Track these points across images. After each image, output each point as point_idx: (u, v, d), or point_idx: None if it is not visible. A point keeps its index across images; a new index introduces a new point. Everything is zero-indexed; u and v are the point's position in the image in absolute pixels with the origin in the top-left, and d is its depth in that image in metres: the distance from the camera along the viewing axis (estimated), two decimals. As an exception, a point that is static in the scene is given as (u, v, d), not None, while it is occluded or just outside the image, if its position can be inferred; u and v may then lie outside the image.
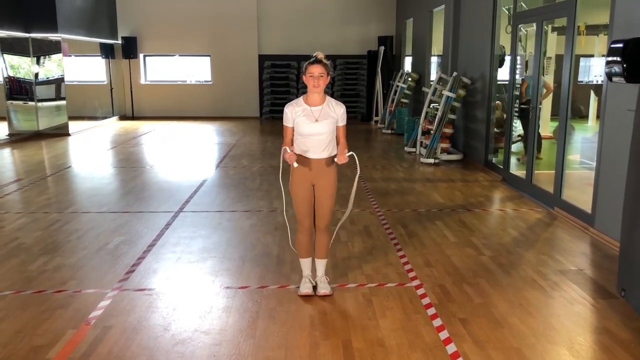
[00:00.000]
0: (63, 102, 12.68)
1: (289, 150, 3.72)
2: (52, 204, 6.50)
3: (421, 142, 9.82)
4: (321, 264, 4.01)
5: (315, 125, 3.71)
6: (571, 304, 3.83)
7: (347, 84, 15.80)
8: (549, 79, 11.06)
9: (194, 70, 16.36)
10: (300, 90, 15.56)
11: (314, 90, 3.71)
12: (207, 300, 3.89)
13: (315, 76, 3.67)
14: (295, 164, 3.73)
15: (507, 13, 8.30)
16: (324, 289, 3.94)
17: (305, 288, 3.94)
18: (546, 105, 11.09)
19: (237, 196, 6.86)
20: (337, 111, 3.78)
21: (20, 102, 12.22)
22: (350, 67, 15.74)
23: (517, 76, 8.08)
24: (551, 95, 9.42)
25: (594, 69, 13.44)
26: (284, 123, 3.82)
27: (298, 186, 3.83)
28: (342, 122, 3.81)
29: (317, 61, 3.69)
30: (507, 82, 7.97)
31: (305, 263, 4.00)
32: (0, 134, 11.52)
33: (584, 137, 10.73)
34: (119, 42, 15.55)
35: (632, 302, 3.54)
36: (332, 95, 16.45)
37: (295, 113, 3.75)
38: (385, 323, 3.53)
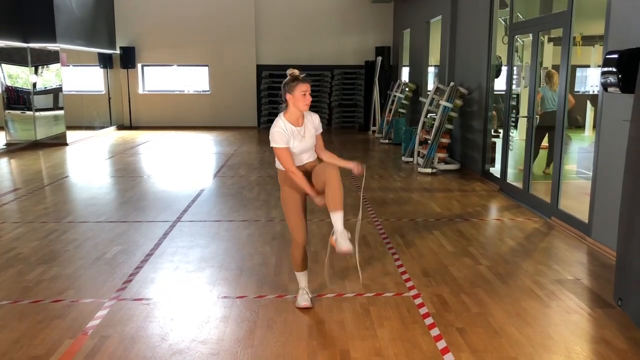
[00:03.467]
0: (61, 112, 12.70)
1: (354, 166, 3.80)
2: (50, 213, 6.50)
3: (418, 152, 9.85)
4: (338, 217, 3.55)
5: (303, 142, 3.72)
6: (568, 313, 3.84)
7: (345, 94, 15.86)
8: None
9: (192, 80, 16.41)
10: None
11: (305, 108, 3.69)
12: (205, 309, 3.89)
13: (308, 94, 3.67)
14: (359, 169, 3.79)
15: (504, 24, 8.35)
16: (344, 245, 3.52)
17: (304, 300, 3.92)
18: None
19: (235, 206, 6.87)
20: (314, 122, 3.83)
21: (18, 112, 12.23)
22: (347, 77, 15.81)
23: (515, 86, 8.12)
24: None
25: (590, 79, 13.53)
26: (279, 145, 3.62)
27: (289, 198, 3.80)
28: (319, 130, 3.88)
29: (305, 80, 3.65)
30: (503, 93, 8.01)
31: (301, 276, 3.99)
32: (-3, 143, 11.54)
33: (581, 147, 10.77)
34: (117, 52, 15.61)
35: (629, 311, 3.54)
36: (329, 105, 16.58)
37: (288, 135, 3.65)
38: (383, 333, 3.53)
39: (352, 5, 15.72)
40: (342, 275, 4.50)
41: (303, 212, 3.85)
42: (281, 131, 3.65)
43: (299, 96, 3.63)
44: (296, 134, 3.70)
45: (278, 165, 3.80)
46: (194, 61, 16.04)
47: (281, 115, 3.74)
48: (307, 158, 3.80)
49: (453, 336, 3.48)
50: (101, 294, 4.13)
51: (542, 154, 8.41)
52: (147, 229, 5.83)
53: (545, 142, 8.36)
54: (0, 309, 3.89)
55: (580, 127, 12.98)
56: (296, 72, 3.68)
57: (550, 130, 7.72)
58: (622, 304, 3.61)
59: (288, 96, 3.66)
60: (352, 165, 3.80)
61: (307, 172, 3.80)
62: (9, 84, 11.96)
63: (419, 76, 12.63)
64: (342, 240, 3.52)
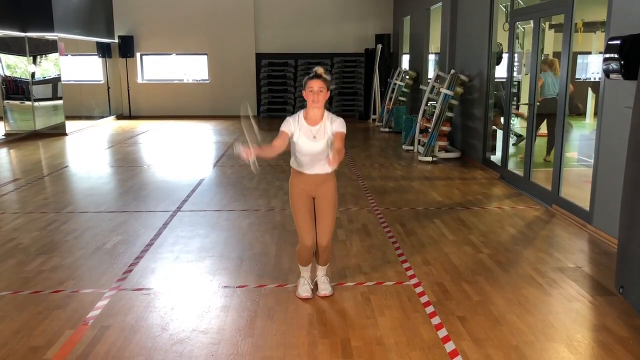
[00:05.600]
0: (60, 102, 12.66)
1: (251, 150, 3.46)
2: (49, 203, 6.49)
3: (419, 140, 9.82)
4: (322, 270, 3.98)
5: (313, 143, 3.64)
6: (569, 301, 3.83)
7: (345, 82, 15.78)
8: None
9: (191, 69, 16.33)
10: (297, 88, 15.55)
11: (313, 106, 3.63)
12: (205, 299, 3.88)
13: (315, 91, 3.60)
14: (251, 161, 3.46)
15: (505, 10, 8.29)
16: (324, 290, 3.91)
17: (304, 291, 3.90)
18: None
19: (235, 195, 6.85)
20: (333, 126, 3.64)
21: (17, 102, 12.19)
22: (347, 66, 15.73)
23: (516, 73, 8.06)
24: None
25: (592, 66, 13.45)
26: (282, 128, 3.66)
27: (298, 201, 3.77)
28: (339, 129, 3.63)
29: (317, 76, 3.62)
30: (504, 80, 7.96)
31: (305, 269, 3.97)
32: (-3, 134, 11.51)
33: (582, 135, 10.73)
34: (116, 41, 15.53)
35: (630, 299, 3.54)
36: (329, 94, 16.37)
37: (296, 126, 3.65)
38: (383, 321, 3.53)
39: (351, -7, 15.63)
40: (343, 265, 4.49)
41: (311, 215, 3.78)
42: (290, 120, 3.69)
43: (307, 92, 3.64)
44: (307, 131, 3.64)
45: (291, 162, 3.79)
46: (193, 50, 15.96)
47: (302, 110, 3.74)
48: (311, 167, 3.69)
49: (454, 324, 3.47)
50: (101, 284, 4.13)
51: (541, 142, 8.37)
52: (147, 219, 5.82)
53: (543, 130, 8.32)
54: (0, 299, 3.88)
55: (582, 114, 12.93)
56: (320, 69, 3.67)
57: (549, 117, 7.68)
58: (624, 291, 3.60)
59: (303, 93, 3.70)
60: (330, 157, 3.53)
61: (312, 202, 3.75)
62: (7, 74, 11.91)
63: (419, 64, 12.56)
64: (321, 284, 3.93)
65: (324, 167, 3.69)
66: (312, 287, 3.96)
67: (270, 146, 3.64)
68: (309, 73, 3.73)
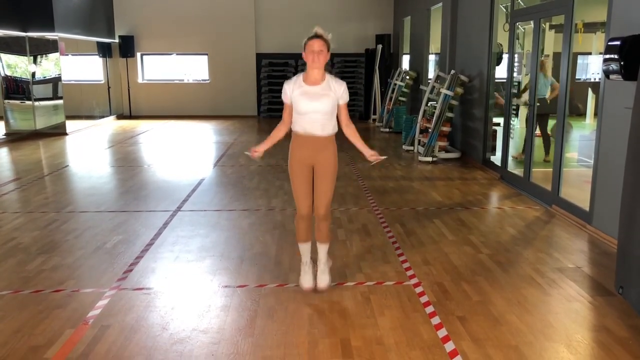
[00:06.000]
0: (60, 102, 12.66)
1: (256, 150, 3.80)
2: (50, 203, 6.49)
3: (419, 141, 9.82)
4: (322, 248, 3.91)
5: (313, 103, 3.62)
6: (569, 301, 3.83)
7: (345, 82, 15.74)
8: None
9: (192, 69, 16.34)
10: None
11: (312, 66, 3.62)
12: (206, 299, 3.89)
13: (316, 51, 3.58)
14: (250, 153, 3.77)
15: (505, 11, 8.29)
16: (322, 281, 3.88)
17: (306, 282, 3.89)
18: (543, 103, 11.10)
19: (235, 195, 6.86)
20: (337, 89, 3.68)
21: (18, 102, 12.19)
22: (348, 66, 15.74)
23: (516, 74, 8.06)
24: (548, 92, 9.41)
25: (592, 67, 13.46)
26: (283, 99, 3.74)
27: (296, 167, 3.76)
28: (343, 100, 3.71)
29: (317, 36, 3.61)
30: (504, 80, 7.96)
31: (304, 248, 3.93)
32: (-3, 133, 11.51)
33: (582, 135, 10.74)
34: (116, 41, 15.54)
35: (630, 299, 3.54)
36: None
37: (293, 90, 3.67)
38: (383, 321, 3.53)
39: (352, -7, 15.63)
40: (343, 265, 4.50)
41: (308, 183, 3.76)
42: (286, 87, 3.70)
43: (306, 53, 3.62)
44: (306, 92, 3.63)
45: (292, 125, 3.76)
46: (193, 49, 15.96)
47: (302, 73, 3.73)
48: (311, 129, 3.66)
49: (454, 324, 3.48)
50: (102, 284, 4.13)
51: (538, 142, 8.37)
52: (147, 219, 5.82)
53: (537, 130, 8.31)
54: (0, 299, 3.89)
55: (581, 114, 12.94)
56: (319, 29, 3.68)
57: (541, 117, 7.69)
58: (623, 292, 3.60)
59: (303, 54, 3.67)
60: (369, 154, 3.76)
61: (311, 170, 3.75)
62: (8, 73, 11.91)
63: (419, 64, 12.57)
64: (321, 275, 3.90)
65: (323, 130, 3.68)
66: (313, 273, 3.93)
67: (276, 131, 3.78)
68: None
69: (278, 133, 3.81)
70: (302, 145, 3.72)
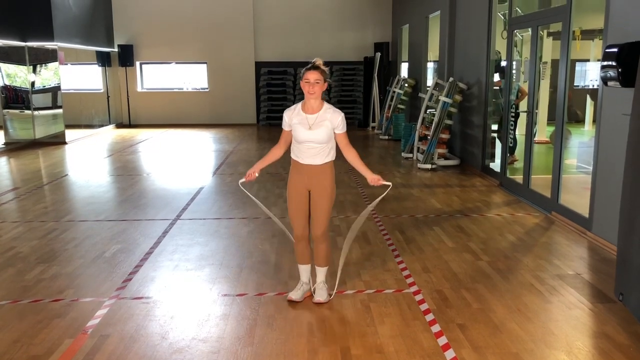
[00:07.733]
0: (60, 111, 12.68)
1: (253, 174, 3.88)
2: (49, 212, 6.48)
3: (418, 148, 9.84)
4: (321, 272, 3.98)
5: (308, 132, 3.69)
6: (569, 308, 3.83)
7: (344, 90, 15.82)
8: (544, 83, 11.13)
9: (191, 77, 16.37)
10: (297, 96, 15.59)
11: (309, 97, 3.70)
12: (205, 308, 3.88)
13: (311, 82, 3.65)
14: (245, 180, 3.88)
15: (503, 18, 8.33)
16: (319, 296, 3.93)
17: (295, 295, 3.92)
18: (542, 110, 11.14)
19: (235, 203, 6.85)
20: (333, 119, 3.71)
21: (17, 111, 12.21)
22: (346, 74, 15.77)
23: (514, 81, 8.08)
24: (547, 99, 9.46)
25: (590, 74, 13.50)
26: (282, 126, 3.85)
27: (292, 190, 3.83)
28: (340, 130, 3.74)
29: (314, 67, 3.68)
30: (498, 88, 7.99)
31: (302, 269, 3.99)
32: (-4, 142, 11.52)
33: (581, 142, 10.75)
34: (116, 50, 15.57)
35: (630, 306, 3.53)
36: (329, 101, 16.40)
37: (292, 119, 3.77)
38: (383, 329, 3.52)
39: (350, 1, 15.68)
40: (342, 273, 4.48)
41: (303, 205, 3.81)
42: (285, 115, 3.80)
43: (303, 83, 3.70)
44: (303, 120, 3.71)
45: (291, 152, 3.84)
46: (192, 58, 16.01)
47: (300, 102, 3.82)
48: (307, 157, 3.73)
49: (454, 332, 3.47)
50: (101, 293, 4.12)
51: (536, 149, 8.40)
52: (146, 227, 5.82)
53: (545, 137, 8.35)
54: (-1, 308, 3.88)
55: (580, 121, 12.97)
56: (318, 61, 3.73)
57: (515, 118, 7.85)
58: (624, 298, 3.60)
59: (301, 83, 3.76)
60: (371, 178, 3.75)
61: (307, 194, 3.79)
62: (7, 83, 11.94)
63: (418, 72, 12.60)
64: (318, 290, 3.94)
65: (319, 158, 3.74)
66: (306, 292, 3.97)
67: (272, 152, 3.90)
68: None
69: (274, 155, 3.92)
70: (299, 171, 3.80)
